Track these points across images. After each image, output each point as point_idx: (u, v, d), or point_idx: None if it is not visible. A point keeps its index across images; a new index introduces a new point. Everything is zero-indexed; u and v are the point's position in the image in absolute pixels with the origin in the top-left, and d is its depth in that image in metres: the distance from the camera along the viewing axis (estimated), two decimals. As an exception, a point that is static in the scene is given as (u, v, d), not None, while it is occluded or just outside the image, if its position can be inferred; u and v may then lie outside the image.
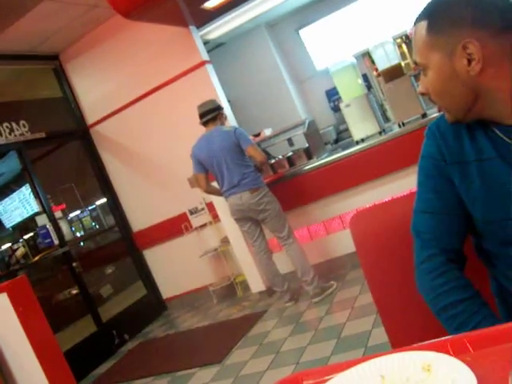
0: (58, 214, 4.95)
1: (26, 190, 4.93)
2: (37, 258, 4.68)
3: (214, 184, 4.03)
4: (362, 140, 4.25)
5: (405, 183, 3.74)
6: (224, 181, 3.86)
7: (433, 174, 1.10)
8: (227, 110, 4.75)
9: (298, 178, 4.30)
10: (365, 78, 5.58)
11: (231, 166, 3.80)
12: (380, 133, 4.20)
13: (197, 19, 4.70)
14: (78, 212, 6.21)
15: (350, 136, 4.52)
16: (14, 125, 4.66)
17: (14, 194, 5.16)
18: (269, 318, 3.97)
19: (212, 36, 5.43)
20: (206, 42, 5.23)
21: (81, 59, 5.30)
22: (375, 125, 4.21)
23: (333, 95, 6.55)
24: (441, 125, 1.10)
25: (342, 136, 6.09)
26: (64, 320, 5.09)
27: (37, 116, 5.04)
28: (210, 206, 4.73)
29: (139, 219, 5.43)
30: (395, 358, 0.79)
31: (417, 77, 3.97)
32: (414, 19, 1.06)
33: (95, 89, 5.34)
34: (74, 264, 4.72)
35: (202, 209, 4.91)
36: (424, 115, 3.95)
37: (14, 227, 5.40)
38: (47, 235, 4.61)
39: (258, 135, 4.87)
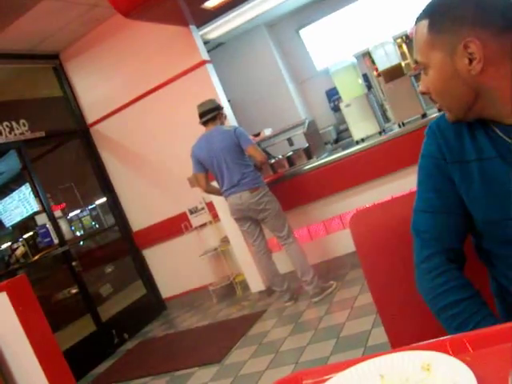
0: (57, 213, 4.95)
1: (25, 189, 4.93)
2: (36, 258, 4.69)
3: (214, 184, 4.03)
4: (362, 140, 4.25)
5: (405, 183, 3.74)
6: (224, 180, 3.86)
7: (433, 173, 1.10)
8: (227, 109, 4.75)
9: (298, 177, 4.30)
10: (365, 77, 5.59)
11: (231, 165, 3.80)
12: (380, 133, 4.20)
13: (197, 19, 4.70)
14: (77, 211, 6.21)
15: (350, 136, 4.52)
16: (13, 124, 4.66)
17: (14, 193, 5.16)
18: (268, 317, 3.97)
19: (212, 36, 5.43)
20: (206, 42, 5.23)
21: (81, 58, 5.30)
22: (375, 125, 4.21)
23: (333, 95, 6.55)
24: (441, 124, 1.10)
25: (342, 136, 6.09)
26: (63, 319, 5.08)
27: (37, 115, 5.04)
28: (210, 206, 4.73)
29: (139, 218, 5.43)
30: (395, 358, 0.79)
31: (417, 77, 3.97)
32: (416, 18, 1.06)
33: (95, 88, 5.34)
34: (74, 263, 4.72)
35: (202, 208, 4.91)
36: (424, 115, 3.95)
37: (14, 226, 5.40)
38: (47, 234, 4.61)
39: (257, 135, 4.87)
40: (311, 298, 3.86)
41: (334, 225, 4.37)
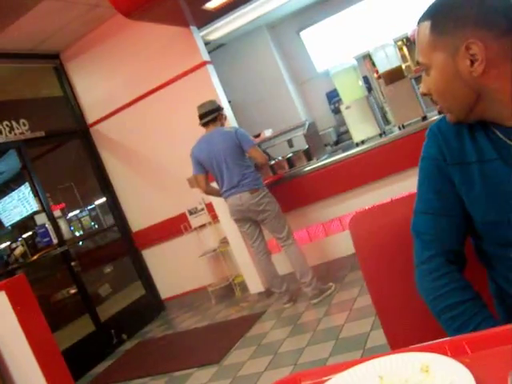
0: (57, 213, 4.95)
1: (25, 189, 4.92)
2: (35, 257, 4.68)
3: (214, 185, 4.03)
4: (362, 142, 4.25)
5: (404, 185, 3.74)
6: (224, 181, 3.86)
7: (433, 174, 1.10)
8: (227, 110, 4.76)
9: (298, 179, 4.31)
10: (365, 80, 5.59)
11: (231, 166, 3.79)
12: (380, 135, 4.20)
13: (198, 19, 4.70)
14: (77, 211, 6.20)
15: (350, 138, 4.53)
16: (14, 123, 4.66)
17: (14, 192, 5.15)
18: (267, 318, 3.97)
19: (213, 37, 5.43)
20: (206, 43, 5.23)
21: (82, 58, 5.30)
22: (375, 127, 4.22)
23: (333, 97, 6.55)
24: (442, 126, 1.10)
25: (342, 138, 6.10)
26: (62, 319, 5.08)
27: (37, 115, 5.04)
28: (210, 207, 4.73)
29: (138, 219, 5.43)
30: (394, 359, 0.79)
31: (417, 79, 3.98)
32: (418, 19, 1.05)
33: (96, 88, 5.34)
34: (73, 263, 4.72)
35: (202, 209, 4.91)
36: (424, 118, 3.96)
37: (13, 226, 5.39)
38: (46, 234, 4.61)
39: (258, 136, 4.87)
40: (310, 299, 3.86)
41: (334, 227, 4.37)
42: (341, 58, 5.70)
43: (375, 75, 4.58)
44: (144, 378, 3.73)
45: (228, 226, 4.42)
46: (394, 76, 4.00)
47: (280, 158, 4.69)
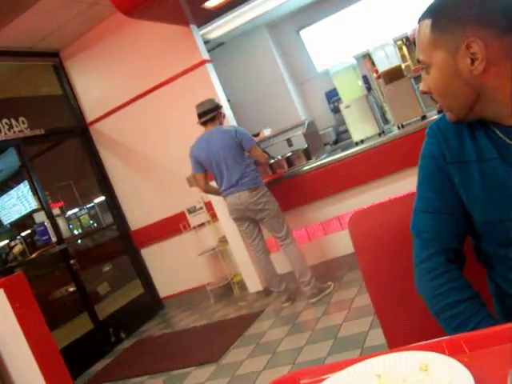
0: (56, 211, 4.95)
1: (24, 187, 4.91)
2: (34, 255, 4.67)
3: (213, 184, 4.03)
4: (362, 141, 4.25)
5: (404, 185, 3.74)
6: (223, 180, 3.86)
7: (433, 173, 1.10)
8: (227, 109, 4.75)
9: (297, 178, 4.30)
10: (365, 79, 5.58)
11: (231, 165, 3.79)
12: (379, 134, 4.20)
13: (198, 18, 4.70)
14: (76, 210, 6.21)
15: (350, 137, 4.52)
16: (13, 121, 4.66)
17: (13, 190, 5.14)
18: (266, 318, 3.97)
19: (212, 35, 5.43)
20: (206, 42, 5.23)
21: (81, 57, 5.30)
22: (375, 126, 4.22)
23: (332, 96, 6.55)
24: (442, 124, 1.10)
25: (341, 137, 6.10)
26: (61, 317, 5.08)
27: (36, 113, 5.03)
28: (209, 206, 4.73)
29: (137, 218, 5.42)
30: (392, 358, 0.79)
31: (417, 79, 3.97)
32: (419, 17, 1.05)
33: (95, 86, 5.33)
34: (72, 261, 4.71)
35: (201, 208, 4.91)
36: (424, 117, 3.96)
37: (12, 224, 5.38)
38: (45, 232, 4.60)
39: (257, 135, 4.87)
40: (309, 298, 3.86)
41: (333, 226, 4.37)
42: (340, 57, 5.70)
43: (375, 75, 4.58)
44: (142, 376, 3.73)
45: (227, 225, 4.42)
46: (394, 75, 4.00)
47: (279, 157, 4.69)
